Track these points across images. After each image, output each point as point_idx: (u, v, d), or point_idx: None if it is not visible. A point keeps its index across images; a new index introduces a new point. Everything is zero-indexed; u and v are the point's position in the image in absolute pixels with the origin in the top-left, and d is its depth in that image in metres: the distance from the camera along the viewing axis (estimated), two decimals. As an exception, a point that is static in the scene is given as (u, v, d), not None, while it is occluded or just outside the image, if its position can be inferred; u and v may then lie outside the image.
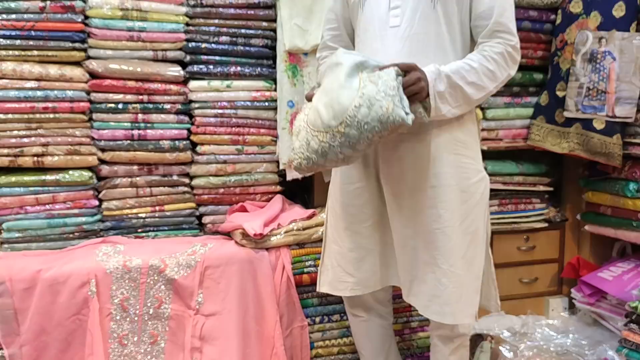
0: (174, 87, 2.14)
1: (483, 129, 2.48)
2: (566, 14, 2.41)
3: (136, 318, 1.93)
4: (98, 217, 2.15)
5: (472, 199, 1.68)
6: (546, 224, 2.63)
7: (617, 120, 2.31)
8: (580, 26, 2.36)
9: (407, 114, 1.41)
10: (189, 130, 2.20)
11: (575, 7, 2.38)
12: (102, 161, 2.14)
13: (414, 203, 1.65)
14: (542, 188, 2.59)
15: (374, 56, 1.55)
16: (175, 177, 2.20)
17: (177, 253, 1.98)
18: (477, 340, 2.32)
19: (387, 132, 1.43)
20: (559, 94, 2.43)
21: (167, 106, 2.15)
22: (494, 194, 2.51)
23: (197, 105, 2.19)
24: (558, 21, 2.44)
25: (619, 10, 2.31)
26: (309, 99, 1.60)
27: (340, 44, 1.79)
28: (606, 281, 2.39)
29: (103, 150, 2.12)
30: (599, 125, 2.34)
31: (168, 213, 2.21)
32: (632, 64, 2.28)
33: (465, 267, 1.66)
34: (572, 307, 2.63)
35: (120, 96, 2.09)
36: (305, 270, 2.11)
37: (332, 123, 1.44)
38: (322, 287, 1.86)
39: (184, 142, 2.18)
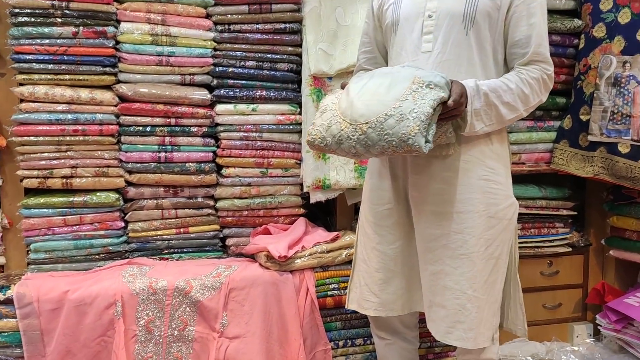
0: (200, 111, 2.17)
1: (506, 153, 2.47)
2: (589, 39, 2.42)
3: (161, 340, 1.93)
4: (124, 238, 2.16)
5: (500, 224, 1.68)
6: (570, 249, 2.60)
7: (642, 144, 2.30)
8: (604, 50, 2.37)
9: (427, 142, 1.43)
10: (214, 153, 2.22)
11: (599, 31, 2.39)
12: (129, 183, 2.16)
13: (441, 227, 1.65)
14: (565, 212, 2.57)
15: None
16: (200, 199, 2.22)
17: (202, 275, 1.99)
18: (502, 366, 2.29)
19: (402, 150, 1.45)
20: (583, 117, 2.43)
21: (194, 129, 2.18)
22: (517, 217, 2.49)
23: (222, 128, 2.21)
24: (581, 45, 2.45)
25: (642, 35, 2.32)
26: (344, 87, 1.63)
27: (375, 67, 1.80)
28: (633, 307, 2.35)
29: (130, 172, 2.15)
30: (624, 149, 2.33)
31: (192, 235, 2.22)
32: (656, 89, 2.27)
33: (487, 292, 1.66)
34: (597, 334, 2.58)
35: (148, 119, 2.12)
36: (329, 293, 2.10)
37: (360, 119, 1.48)
38: (351, 305, 1.86)
39: (210, 165, 2.20)
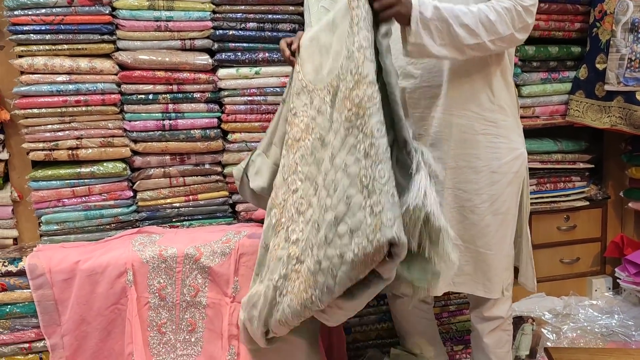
0: (202, 76, 2.13)
1: (520, 107, 2.40)
2: (605, -17, 2.30)
3: (174, 307, 1.95)
4: (133, 207, 2.16)
5: (504, 179, 1.65)
6: (587, 202, 2.55)
7: (661, 91, 2.21)
8: (620, -6, 2.26)
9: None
10: (219, 118, 2.19)
11: (615, -26, 2.27)
12: (135, 152, 2.15)
13: (441, 184, 1.63)
14: (582, 165, 2.51)
15: None
16: (207, 166, 2.20)
17: (212, 241, 1.99)
18: (518, 322, 2.27)
19: None
20: (599, 66, 2.34)
21: (197, 95, 2.15)
22: (532, 173, 2.44)
23: (226, 93, 2.17)
24: (596, -10, 2.34)
25: (661, -24, 2.20)
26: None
27: None
28: (653, 259, 2.31)
29: (135, 141, 2.13)
30: (642, 97, 2.25)
31: (202, 202, 2.22)
32: (677, 32, 2.17)
33: (496, 246, 1.67)
34: (616, 287, 2.55)
35: (150, 87, 2.09)
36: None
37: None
38: None
39: (215, 131, 2.18)
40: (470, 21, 1.45)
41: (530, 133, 2.46)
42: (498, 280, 1.70)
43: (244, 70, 2.17)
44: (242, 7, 2.15)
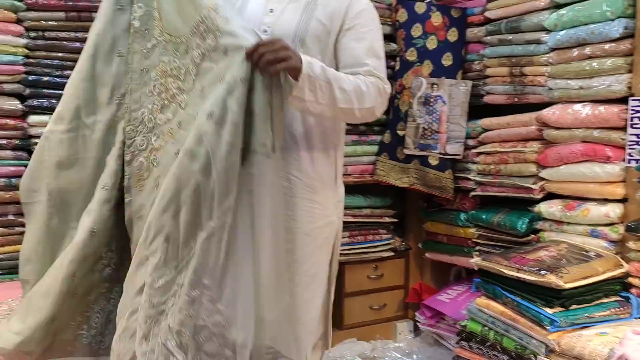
0: (10, 122, 2.02)
1: (333, 165, 2.61)
2: (403, 61, 2.66)
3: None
4: None
5: (314, 242, 1.68)
6: (392, 253, 2.82)
7: (448, 157, 2.58)
8: (416, 73, 2.62)
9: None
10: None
11: (411, 55, 2.63)
12: None
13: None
14: (387, 219, 2.79)
15: None
16: (11, 217, 2.06)
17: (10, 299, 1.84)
18: (330, 369, 2.41)
19: None
20: (400, 133, 2.66)
21: (4, 142, 2.02)
22: (345, 226, 2.64)
23: (37, 141, 2.07)
24: (397, 67, 2.68)
25: (447, 60, 2.60)
26: None
27: None
28: (444, 303, 2.61)
29: None
30: (433, 161, 2.60)
31: (2, 255, 2.05)
32: (459, 108, 2.57)
33: (304, 308, 1.66)
34: (416, 330, 2.82)
35: (-52, 130, 1.93)
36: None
37: None
38: None
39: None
40: (348, 87, 1.51)
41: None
42: (305, 345, 1.67)
43: (59, 118, 2.09)
44: (60, 54, 2.09)
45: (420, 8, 2.61)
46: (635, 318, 1.81)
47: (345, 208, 2.60)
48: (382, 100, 1.61)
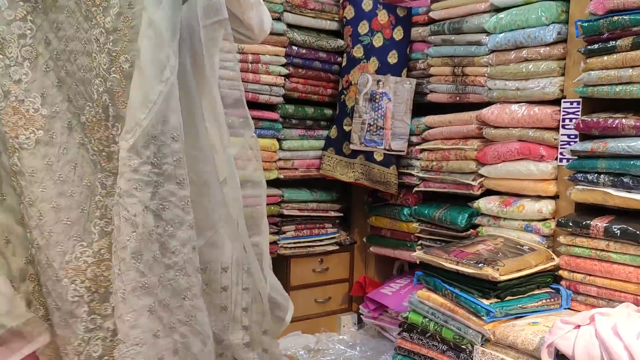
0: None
1: (280, 159, 2.63)
2: (350, 58, 2.69)
3: None
4: None
5: None
6: (338, 247, 2.86)
7: (392, 153, 2.64)
8: (362, 69, 2.66)
9: None
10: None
11: (358, 52, 2.67)
12: None
13: None
14: (333, 214, 2.83)
15: None
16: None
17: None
18: (274, 361, 2.43)
19: None
20: (346, 128, 2.70)
21: None
22: (291, 219, 2.68)
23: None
24: (344, 63, 2.71)
25: (392, 58, 2.66)
26: None
27: None
28: (387, 296, 2.68)
29: None
30: (378, 157, 2.65)
31: None
32: (403, 105, 2.63)
33: None
34: (360, 322, 2.88)
35: None
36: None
37: None
38: None
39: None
40: None
41: (289, 183, 2.72)
42: None
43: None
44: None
45: (367, 6, 2.65)
46: (565, 308, 1.92)
47: (292, 202, 2.68)
48: None
